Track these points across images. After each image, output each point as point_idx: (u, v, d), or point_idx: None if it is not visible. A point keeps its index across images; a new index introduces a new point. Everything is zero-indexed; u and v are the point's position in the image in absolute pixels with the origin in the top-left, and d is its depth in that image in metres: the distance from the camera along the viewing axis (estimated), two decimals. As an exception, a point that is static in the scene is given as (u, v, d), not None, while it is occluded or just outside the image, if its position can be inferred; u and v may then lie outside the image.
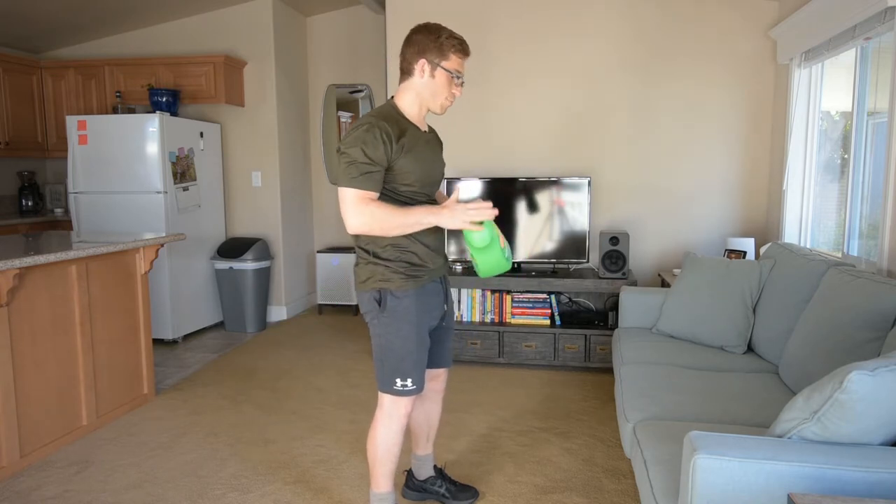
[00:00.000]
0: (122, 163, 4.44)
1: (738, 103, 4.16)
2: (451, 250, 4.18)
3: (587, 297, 4.28)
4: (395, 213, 1.89)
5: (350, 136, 1.91)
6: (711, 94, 4.18)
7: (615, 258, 3.89)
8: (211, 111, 5.19)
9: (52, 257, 2.68)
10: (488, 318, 4.11)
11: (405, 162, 1.94)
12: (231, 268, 4.89)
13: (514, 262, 4.11)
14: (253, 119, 5.19)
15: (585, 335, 3.90)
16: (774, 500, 1.34)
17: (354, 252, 2.18)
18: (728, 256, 3.69)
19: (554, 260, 4.12)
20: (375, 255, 2.01)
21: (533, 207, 4.10)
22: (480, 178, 4.15)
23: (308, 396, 3.53)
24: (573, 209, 4.06)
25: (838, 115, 3.48)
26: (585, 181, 4.03)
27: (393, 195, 1.98)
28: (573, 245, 4.08)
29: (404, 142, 1.95)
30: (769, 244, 3.28)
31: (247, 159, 5.23)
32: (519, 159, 4.43)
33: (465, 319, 4.12)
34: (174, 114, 4.65)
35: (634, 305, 3.31)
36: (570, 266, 4.28)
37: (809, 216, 3.70)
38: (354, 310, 5.61)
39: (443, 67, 1.98)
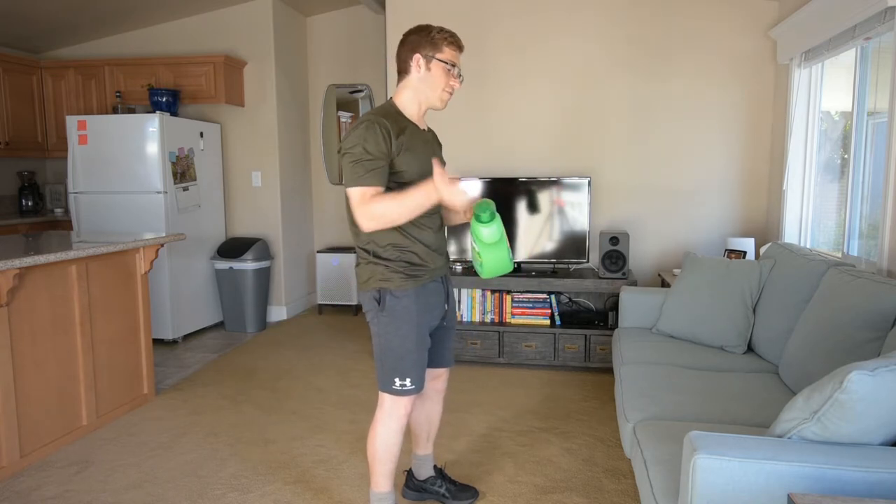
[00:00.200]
0: (122, 163, 4.44)
1: (738, 103, 4.16)
2: (452, 250, 4.18)
3: (587, 297, 4.28)
4: (395, 202, 1.87)
5: (350, 135, 1.91)
6: (711, 93, 4.18)
7: (615, 258, 3.89)
8: (211, 111, 5.19)
9: (52, 257, 2.68)
10: (488, 318, 4.11)
11: (404, 160, 1.95)
12: (231, 268, 4.89)
13: (514, 263, 4.11)
14: (253, 119, 5.19)
15: (585, 335, 3.90)
16: (774, 500, 1.34)
17: (355, 252, 2.18)
18: (728, 256, 3.69)
19: (554, 260, 4.12)
20: (376, 255, 2.01)
21: (533, 207, 4.10)
22: (480, 178, 4.15)
23: (308, 396, 3.53)
24: (573, 209, 4.06)
25: (838, 115, 3.47)
26: (585, 181, 4.03)
27: (393, 194, 1.98)
28: (573, 245, 4.08)
29: (404, 139, 1.95)
30: (769, 244, 3.28)
31: (247, 159, 5.23)
32: (519, 159, 4.43)
33: (465, 319, 4.11)
34: (174, 114, 4.65)
35: (634, 305, 3.31)
36: (570, 266, 4.27)
37: (809, 216, 3.70)
38: (354, 310, 5.61)
39: (438, 59, 2.00)
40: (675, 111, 4.23)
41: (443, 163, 2.18)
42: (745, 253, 3.68)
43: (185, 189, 4.65)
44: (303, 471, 2.64)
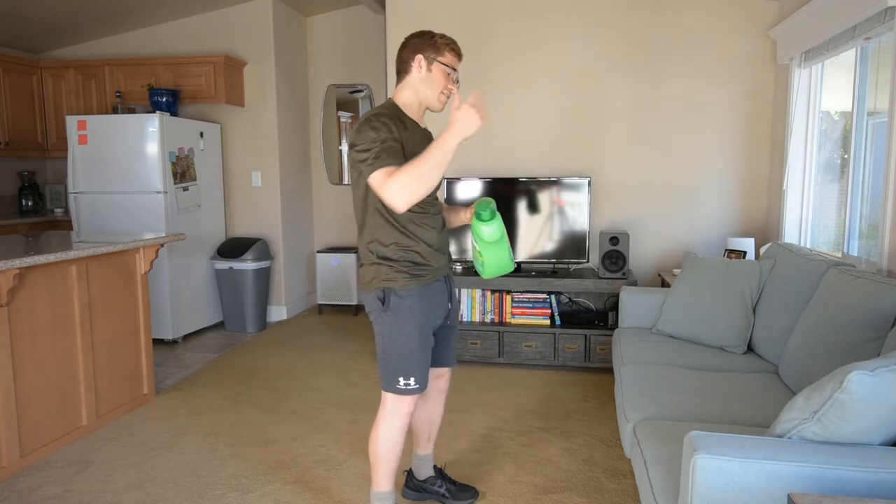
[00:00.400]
0: (122, 163, 4.44)
1: (738, 103, 4.16)
2: (452, 250, 4.18)
3: (587, 297, 4.28)
4: (417, 161, 1.83)
5: (358, 132, 1.93)
6: (711, 93, 4.18)
7: (615, 258, 3.89)
8: (211, 111, 5.19)
9: (52, 257, 2.68)
10: (488, 318, 4.11)
11: (408, 154, 1.95)
12: (231, 268, 4.89)
13: (515, 262, 4.11)
14: (253, 119, 5.19)
15: (585, 335, 3.90)
16: (774, 500, 1.34)
17: (356, 252, 2.18)
18: (728, 256, 3.69)
19: (554, 260, 4.12)
20: (379, 256, 2.02)
21: (533, 207, 4.10)
22: (480, 178, 4.15)
23: (308, 396, 3.53)
24: (573, 209, 4.06)
25: (838, 115, 3.48)
26: (585, 181, 4.03)
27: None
28: (573, 245, 4.08)
29: (406, 136, 1.97)
30: (769, 244, 3.28)
31: (247, 159, 5.23)
32: (519, 159, 4.43)
33: (465, 319, 4.11)
34: (174, 114, 4.65)
35: (634, 305, 3.32)
36: (570, 266, 4.28)
37: (809, 216, 3.70)
38: (354, 310, 5.61)
39: (439, 62, 2.04)
40: (675, 111, 4.23)
41: None
42: (745, 253, 3.68)
43: (185, 189, 4.65)
44: (303, 471, 2.64)
